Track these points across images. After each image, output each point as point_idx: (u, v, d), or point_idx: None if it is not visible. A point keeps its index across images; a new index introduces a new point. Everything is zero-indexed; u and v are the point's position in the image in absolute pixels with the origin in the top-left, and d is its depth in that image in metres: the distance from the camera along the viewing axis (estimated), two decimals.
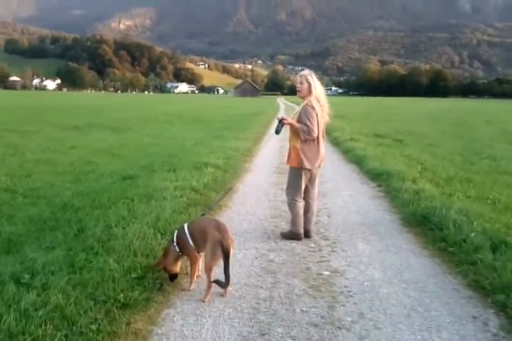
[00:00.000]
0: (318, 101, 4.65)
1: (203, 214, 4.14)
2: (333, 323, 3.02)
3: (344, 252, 4.40)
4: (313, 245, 4.61)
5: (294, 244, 4.63)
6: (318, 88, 4.66)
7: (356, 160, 10.30)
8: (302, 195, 4.85)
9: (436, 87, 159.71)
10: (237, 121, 23.56)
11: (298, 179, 4.78)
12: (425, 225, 5.08)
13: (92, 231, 4.57)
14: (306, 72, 4.78)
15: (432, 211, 5.22)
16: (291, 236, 4.81)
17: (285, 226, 5.20)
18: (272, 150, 11.64)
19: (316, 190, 4.99)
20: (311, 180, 4.86)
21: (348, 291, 3.51)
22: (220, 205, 5.93)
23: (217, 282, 3.34)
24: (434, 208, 5.28)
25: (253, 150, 12.20)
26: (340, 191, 7.22)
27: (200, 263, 3.64)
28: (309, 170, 4.74)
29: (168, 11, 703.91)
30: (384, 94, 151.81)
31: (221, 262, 3.32)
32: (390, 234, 5.02)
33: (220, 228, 3.38)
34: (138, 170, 8.44)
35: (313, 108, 4.58)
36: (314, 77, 4.69)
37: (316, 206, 5.04)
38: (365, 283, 3.67)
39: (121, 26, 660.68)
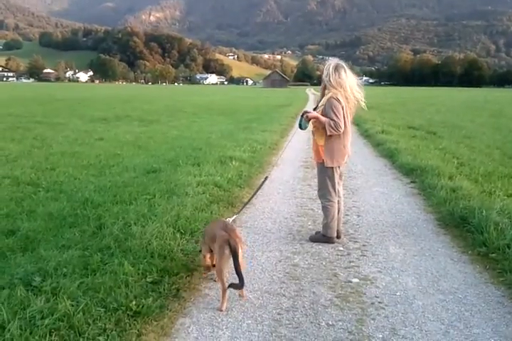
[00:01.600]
0: (345, 92, 4.23)
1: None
2: (362, 340, 2.73)
3: (375, 256, 4.07)
4: (341, 248, 4.30)
5: (320, 247, 4.33)
6: (342, 78, 4.21)
7: (388, 153, 9.85)
8: (337, 196, 4.48)
9: (470, 76, 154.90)
10: (264, 112, 23.23)
11: (329, 178, 4.40)
12: (464, 227, 4.69)
13: (110, 229, 4.41)
14: (332, 60, 4.34)
15: (471, 211, 4.82)
16: (323, 240, 4.43)
17: (311, 227, 4.91)
18: (300, 143, 11.30)
19: (341, 188, 4.64)
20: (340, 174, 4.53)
21: (379, 302, 3.20)
22: (243, 202, 5.70)
23: (231, 285, 3.11)
24: (473, 208, 4.87)
25: (280, 142, 11.89)
26: (371, 188, 6.85)
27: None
28: (338, 167, 4.41)
29: (198, 2, 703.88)
30: (416, 84, 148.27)
31: (232, 263, 3.10)
32: (425, 236, 4.65)
33: (226, 227, 3.30)
34: (162, 163, 8.28)
35: (338, 100, 4.20)
36: (338, 66, 4.24)
37: (343, 204, 4.68)
38: (398, 293, 3.35)
39: (152, 18, 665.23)
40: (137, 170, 7.80)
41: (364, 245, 4.38)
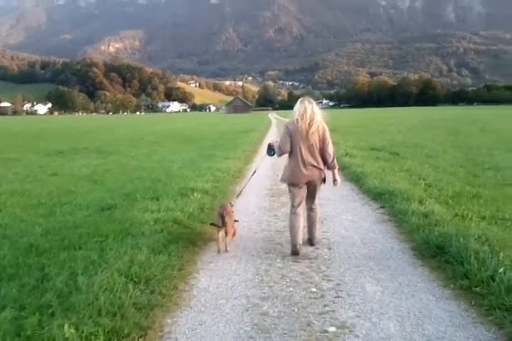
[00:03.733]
0: (295, 120, 4.82)
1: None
2: None
3: (351, 297, 3.68)
4: (314, 289, 3.88)
5: (291, 289, 3.90)
6: (295, 108, 4.90)
7: (354, 177, 9.63)
8: (297, 210, 4.96)
9: (425, 96, 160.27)
10: (227, 139, 22.95)
11: (289, 193, 5.14)
12: (441, 257, 4.37)
13: (53, 281, 3.88)
14: None
15: (448, 239, 4.53)
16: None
17: (280, 265, 4.50)
18: (264, 170, 10.98)
19: (313, 201, 5.12)
20: (308, 193, 5.03)
21: None
22: (206, 240, 5.30)
23: (213, 224, 5.01)
24: (449, 236, 4.59)
25: (244, 170, 11.54)
26: (339, 215, 6.52)
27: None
28: (293, 185, 4.93)
29: (157, 31, 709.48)
30: (375, 105, 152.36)
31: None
32: (402, 268, 4.32)
33: (221, 205, 5.25)
34: (118, 198, 7.75)
35: (286, 126, 4.93)
36: (299, 101, 4.94)
37: (314, 217, 5.12)
38: None
39: (111, 49, 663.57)
40: (90, 208, 7.24)
41: (338, 284, 3.99)
